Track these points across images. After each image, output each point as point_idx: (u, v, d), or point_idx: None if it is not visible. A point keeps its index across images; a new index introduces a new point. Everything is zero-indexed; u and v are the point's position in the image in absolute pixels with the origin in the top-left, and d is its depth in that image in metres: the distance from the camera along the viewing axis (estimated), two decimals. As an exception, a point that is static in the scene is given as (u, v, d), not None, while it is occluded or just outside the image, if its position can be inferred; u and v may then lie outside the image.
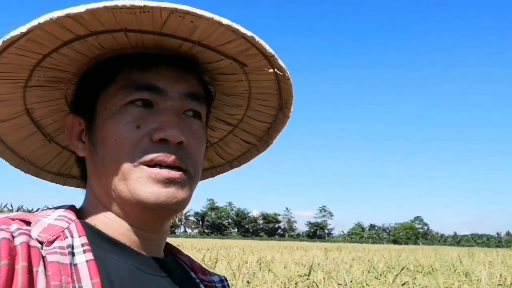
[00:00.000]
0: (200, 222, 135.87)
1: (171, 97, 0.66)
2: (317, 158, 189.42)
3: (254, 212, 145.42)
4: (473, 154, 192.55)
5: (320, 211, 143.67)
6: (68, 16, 0.54)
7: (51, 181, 0.85)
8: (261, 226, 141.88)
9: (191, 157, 0.66)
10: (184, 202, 0.65)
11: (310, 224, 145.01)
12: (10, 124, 0.73)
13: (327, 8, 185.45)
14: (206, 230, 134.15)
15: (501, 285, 6.85)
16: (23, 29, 0.55)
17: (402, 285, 6.32)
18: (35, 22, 0.54)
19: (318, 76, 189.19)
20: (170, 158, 0.63)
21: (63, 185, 0.86)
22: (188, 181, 0.66)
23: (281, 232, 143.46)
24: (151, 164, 0.63)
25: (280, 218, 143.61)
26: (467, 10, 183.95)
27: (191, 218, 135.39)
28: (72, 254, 0.57)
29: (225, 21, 0.58)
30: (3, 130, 0.74)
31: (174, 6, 0.56)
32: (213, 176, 0.92)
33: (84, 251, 0.58)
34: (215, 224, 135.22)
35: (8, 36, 0.56)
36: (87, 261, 0.57)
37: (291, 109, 0.77)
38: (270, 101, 0.78)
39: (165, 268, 0.68)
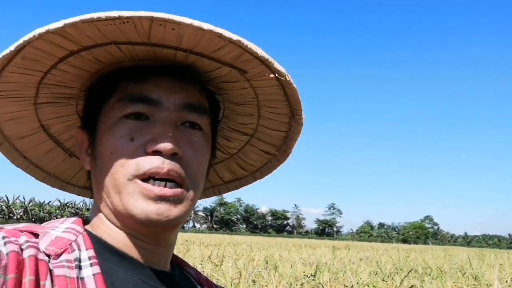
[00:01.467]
0: (209, 217, 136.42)
1: (166, 108, 0.66)
2: (327, 155, 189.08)
3: (263, 209, 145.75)
4: (486, 154, 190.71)
5: (329, 209, 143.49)
6: (49, 31, 0.55)
7: (78, 195, 0.87)
8: (270, 222, 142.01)
9: (188, 169, 0.66)
10: (178, 218, 0.64)
11: (318, 221, 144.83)
12: (29, 141, 0.75)
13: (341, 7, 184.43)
14: (214, 226, 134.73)
15: (512, 289, 6.74)
16: (11, 48, 0.57)
17: (410, 287, 6.24)
18: (20, 41, 0.56)
19: (330, 74, 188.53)
20: (163, 170, 0.62)
21: (90, 198, 0.85)
22: (184, 196, 0.65)
23: (290, 229, 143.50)
24: (145, 177, 0.62)
25: (288, 215, 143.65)
26: (469, 9, 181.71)
27: (200, 213, 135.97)
28: (79, 267, 0.57)
29: (206, 26, 0.57)
30: (23, 146, 0.76)
31: (150, 14, 0.55)
32: (237, 188, 0.93)
33: (91, 265, 0.58)
34: (223, 219, 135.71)
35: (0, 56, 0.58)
36: (94, 274, 0.57)
37: (303, 116, 0.75)
38: (280, 108, 0.77)
39: (171, 281, 0.68)
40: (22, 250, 0.54)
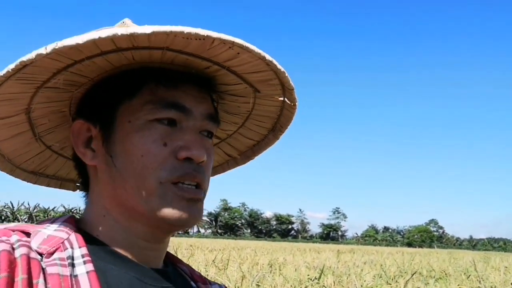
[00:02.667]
0: (214, 222, 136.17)
1: (194, 116, 0.68)
2: (331, 159, 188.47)
3: (267, 213, 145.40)
4: (491, 157, 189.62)
5: (334, 213, 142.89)
6: (131, 35, 0.55)
7: (23, 179, 0.82)
8: (274, 227, 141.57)
9: (207, 175, 0.69)
10: (199, 220, 0.68)
11: (323, 225, 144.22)
12: (5, 122, 0.71)
13: (341, 8, 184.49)
14: (219, 231, 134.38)
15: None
16: (79, 40, 0.55)
17: (414, 290, 6.23)
18: (95, 36, 0.55)
19: (334, 78, 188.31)
20: (196, 178, 0.66)
21: (34, 183, 0.84)
22: (203, 198, 0.68)
23: (294, 234, 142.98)
24: (177, 181, 0.64)
25: (293, 219, 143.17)
26: (467, 12, 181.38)
27: (205, 218, 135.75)
28: (72, 265, 0.57)
29: (268, 57, 0.60)
30: None
31: (231, 39, 0.58)
32: None
33: (85, 262, 0.58)
34: (228, 224, 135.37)
35: (60, 45, 0.55)
36: (87, 272, 0.57)
37: (284, 133, 0.79)
38: (265, 123, 0.80)
39: (166, 278, 0.68)
40: (13, 249, 0.54)
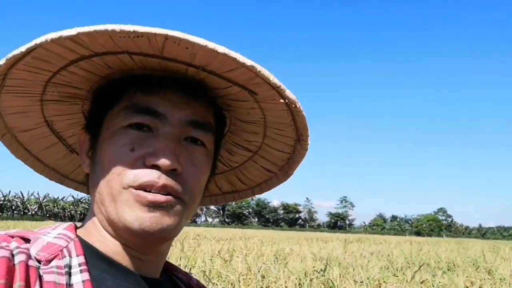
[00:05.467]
0: (221, 211, 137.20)
1: (170, 122, 0.65)
2: (338, 148, 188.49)
3: (275, 202, 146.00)
4: (500, 145, 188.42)
5: (341, 202, 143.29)
6: (61, 37, 0.55)
7: (75, 189, 0.87)
8: (282, 216, 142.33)
9: (186, 185, 0.65)
10: (170, 228, 0.64)
11: (331, 214, 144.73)
12: (32, 134, 0.76)
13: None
14: (226, 220, 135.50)
15: (526, 284, 6.61)
16: (22, 48, 0.57)
17: (421, 282, 6.15)
18: (32, 43, 0.56)
19: (342, 67, 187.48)
20: (159, 184, 0.62)
21: (87, 194, 0.85)
22: (178, 207, 0.64)
23: (302, 223, 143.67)
24: (140, 188, 0.62)
25: (300, 208, 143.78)
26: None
27: (212, 207, 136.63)
28: (69, 274, 0.57)
29: (221, 49, 0.57)
30: (25, 139, 0.77)
31: (165, 32, 0.55)
32: (235, 200, 0.93)
33: (81, 271, 0.58)
34: (235, 213, 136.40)
35: (10, 55, 0.58)
36: (83, 281, 0.57)
37: (308, 142, 0.76)
38: (286, 131, 0.77)
39: None
40: (13, 256, 0.54)
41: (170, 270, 0.78)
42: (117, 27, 0.54)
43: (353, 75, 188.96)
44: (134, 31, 0.55)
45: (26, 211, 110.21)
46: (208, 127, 0.70)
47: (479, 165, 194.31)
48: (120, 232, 0.64)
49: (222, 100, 0.74)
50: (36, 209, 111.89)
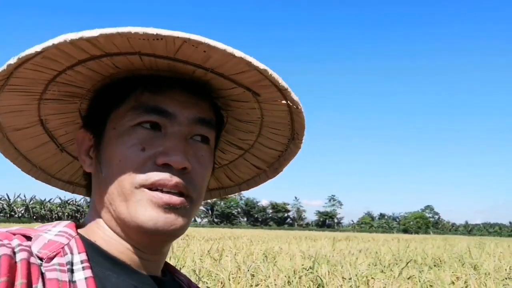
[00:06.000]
0: (210, 211, 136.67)
1: (179, 122, 0.67)
2: (326, 147, 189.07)
3: (263, 202, 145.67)
4: (486, 142, 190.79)
5: (330, 200, 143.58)
6: (82, 39, 0.56)
7: (61, 189, 0.88)
8: (270, 215, 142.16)
9: (195, 183, 0.67)
10: (182, 228, 0.65)
11: (319, 213, 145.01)
12: (24, 133, 0.76)
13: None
14: (215, 220, 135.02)
15: (510, 278, 6.75)
16: (38, 48, 0.57)
17: (408, 278, 6.24)
18: (49, 43, 0.56)
19: (328, 66, 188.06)
20: (171, 182, 0.63)
21: (72, 193, 0.89)
22: (189, 207, 0.66)
23: (290, 222, 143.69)
24: (153, 187, 0.63)
25: (289, 207, 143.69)
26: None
27: (201, 207, 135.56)
28: (71, 271, 0.58)
29: (238, 53, 0.59)
30: (16, 138, 0.77)
31: (187, 36, 0.56)
32: (220, 197, 0.95)
33: (84, 268, 0.59)
34: (224, 213, 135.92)
35: (23, 54, 0.58)
36: (86, 278, 0.58)
37: (302, 141, 0.78)
38: (282, 130, 0.79)
39: (163, 287, 0.69)
40: (14, 253, 0.54)
41: (173, 272, 0.79)
42: (140, 29, 0.55)
43: (341, 73, 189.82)
44: (157, 34, 0.56)
45: (12, 213, 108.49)
46: (213, 125, 0.72)
47: (466, 162, 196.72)
48: (131, 231, 0.65)
49: (223, 100, 0.75)
50: (22, 211, 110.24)
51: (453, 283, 6.09)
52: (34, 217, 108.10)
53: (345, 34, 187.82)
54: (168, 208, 0.63)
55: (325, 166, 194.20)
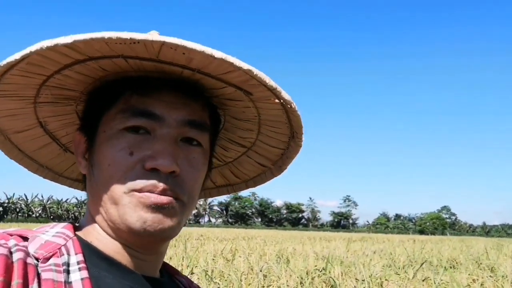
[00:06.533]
0: (224, 211, 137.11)
1: (168, 124, 0.66)
2: (341, 147, 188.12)
3: (278, 202, 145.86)
4: (504, 143, 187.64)
5: (344, 201, 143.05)
6: (57, 45, 0.56)
7: (70, 186, 0.88)
8: (285, 216, 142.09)
9: (184, 186, 0.66)
10: (171, 229, 0.65)
11: (334, 214, 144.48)
12: (25, 135, 0.77)
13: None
14: (230, 220, 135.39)
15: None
16: (17, 56, 0.58)
17: (423, 280, 6.16)
18: (27, 50, 0.57)
19: (345, 66, 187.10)
20: (159, 188, 0.63)
21: (82, 190, 0.87)
22: (179, 209, 0.65)
23: (305, 222, 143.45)
24: (142, 192, 0.63)
25: (303, 208, 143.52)
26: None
27: (215, 207, 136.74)
28: (68, 272, 0.58)
29: (218, 54, 0.57)
30: (19, 140, 0.78)
31: (162, 40, 0.56)
32: (228, 193, 0.95)
33: (80, 269, 0.58)
34: (239, 213, 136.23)
35: (4, 62, 0.59)
36: (81, 279, 0.57)
37: (302, 139, 0.77)
38: (281, 129, 0.78)
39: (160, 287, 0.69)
40: (11, 253, 0.54)
41: (172, 273, 0.78)
42: (113, 34, 0.55)
43: (355, 74, 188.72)
44: (130, 38, 0.55)
45: (30, 213, 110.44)
46: (204, 127, 0.70)
47: (483, 162, 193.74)
48: (122, 233, 0.65)
49: (217, 99, 0.75)
50: (40, 211, 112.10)
51: (469, 285, 5.99)
52: (52, 217, 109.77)
53: (365, 34, 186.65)
54: (156, 207, 0.62)
55: (340, 167, 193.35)
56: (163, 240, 0.67)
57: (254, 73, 0.61)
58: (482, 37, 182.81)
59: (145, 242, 0.66)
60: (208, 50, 0.57)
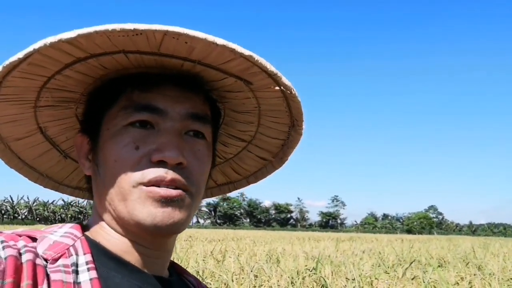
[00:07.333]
0: (213, 212, 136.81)
1: (171, 117, 0.66)
2: (328, 147, 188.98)
3: (266, 202, 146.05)
4: (490, 142, 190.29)
5: (333, 201, 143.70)
6: (61, 41, 0.55)
7: (71, 195, 0.88)
8: (273, 216, 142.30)
9: (192, 177, 0.66)
10: (181, 222, 0.65)
11: (322, 214, 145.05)
12: (25, 142, 0.76)
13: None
14: (218, 221, 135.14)
15: (515, 278, 6.70)
16: (20, 55, 0.57)
17: (412, 279, 6.21)
18: (30, 48, 0.56)
19: (331, 67, 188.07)
20: (167, 178, 0.63)
21: (82, 198, 0.89)
22: (188, 200, 0.66)
23: (293, 222, 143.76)
24: (149, 184, 0.63)
25: (292, 208, 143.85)
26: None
27: (204, 208, 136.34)
28: (76, 272, 0.58)
29: (220, 41, 0.58)
30: (19, 148, 0.77)
31: (165, 28, 0.56)
32: (230, 191, 0.95)
33: (89, 269, 0.59)
34: (227, 214, 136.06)
35: (7, 62, 0.58)
36: (90, 279, 0.58)
37: (303, 127, 0.77)
38: (281, 118, 0.78)
39: (169, 287, 0.69)
40: (20, 254, 0.54)
41: (181, 273, 0.78)
42: (117, 26, 0.55)
43: (344, 74, 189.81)
44: (134, 29, 0.55)
45: (16, 215, 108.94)
46: (207, 119, 0.71)
47: (470, 162, 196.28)
48: (131, 229, 0.65)
49: (217, 92, 0.75)
50: (26, 213, 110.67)
51: (457, 283, 6.06)
52: (38, 218, 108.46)
53: (349, 32, 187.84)
54: (165, 201, 0.62)
55: (328, 167, 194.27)
56: (173, 233, 0.67)
57: (255, 59, 0.62)
58: (464, 36, 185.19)
59: (154, 237, 0.67)
60: (210, 37, 0.57)
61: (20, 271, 0.52)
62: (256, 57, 0.61)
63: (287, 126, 0.79)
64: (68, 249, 0.60)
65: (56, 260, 0.58)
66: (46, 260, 0.57)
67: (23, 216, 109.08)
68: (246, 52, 0.60)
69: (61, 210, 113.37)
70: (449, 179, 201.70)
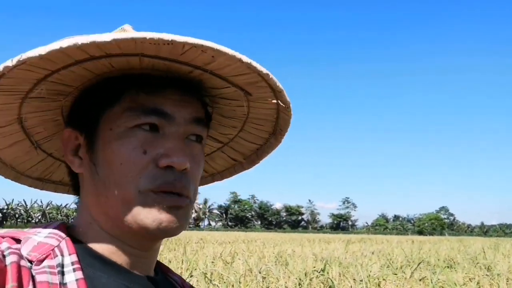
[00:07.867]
0: (224, 215, 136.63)
1: (177, 122, 0.66)
2: (340, 149, 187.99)
3: (277, 205, 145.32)
4: (501, 143, 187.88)
5: (344, 203, 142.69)
6: (94, 43, 0.54)
7: (30, 186, 0.85)
8: (284, 218, 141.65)
9: (192, 183, 0.67)
10: (182, 227, 0.66)
11: (333, 215, 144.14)
12: (1, 132, 0.73)
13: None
14: (229, 223, 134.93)
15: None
16: (42, 51, 0.55)
17: (420, 280, 6.23)
18: (56, 46, 0.54)
19: (341, 69, 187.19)
20: (177, 187, 0.64)
21: (41, 189, 0.87)
22: (189, 206, 0.67)
23: (304, 224, 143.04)
24: (157, 190, 0.63)
25: (303, 210, 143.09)
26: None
27: (215, 211, 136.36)
28: (62, 273, 0.57)
29: (245, 59, 0.59)
30: None
31: (201, 43, 0.57)
32: None
33: (74, 270, 0.58)
34: (238, 217, 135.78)
35: (25, 56, 0.55)
36: (76, 280, 0.57)
37: (284, 136, 0.79)
38: (265, 126, 0.80)
39: (155, 286, 0.68)
40: (4, 256, 0.53)
41: (165, 271, 0.78)
42: (155, 35, 0.55)
43: (352, 76, 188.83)
44: (172, 40, 0.56)
45: (29, 219, 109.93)
46: (206, 124, 0.72)
47: (481, 163, 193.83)
48: (131, 232, 0.65)
49: (211, 97, 0.75)
50: (39, 217, 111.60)
51: (465, 284, 6.06)
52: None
53: (370, 35, 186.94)
54: (173, 209, 0.63)
55: (339, 169, 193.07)
56: (172, 236, 0.68)
57: (270, 77, 0.64)
58: (479, 37, 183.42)
59: (153, 240, 0.68)
60: (238, 54, 0.59)
61: (4, 274, 0.52)
62: (271, 75, 0.64)
63: (268, 133, 0.81)
64: (53, 250, 0.59)
65: (41, 261, 0.57)
66: (31, 261, 0.56)
67: (37, 220, 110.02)
68: (264, 70, 0.62)
69: (74, 213, 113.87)
70: (460, 180, 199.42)
